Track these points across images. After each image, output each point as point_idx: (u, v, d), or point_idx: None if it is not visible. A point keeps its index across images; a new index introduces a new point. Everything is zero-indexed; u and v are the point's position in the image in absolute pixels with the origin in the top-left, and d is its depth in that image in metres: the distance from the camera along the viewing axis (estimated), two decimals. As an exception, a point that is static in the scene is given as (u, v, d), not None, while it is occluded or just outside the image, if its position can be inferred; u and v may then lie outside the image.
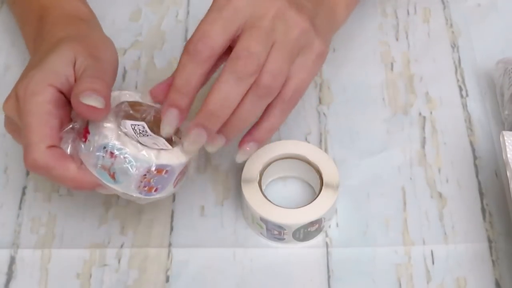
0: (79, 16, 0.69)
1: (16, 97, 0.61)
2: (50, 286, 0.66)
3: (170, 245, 0.68)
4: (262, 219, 0.67)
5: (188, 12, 0.84)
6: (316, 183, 0.69)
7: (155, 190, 0.61)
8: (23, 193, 0.71)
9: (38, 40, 0.68)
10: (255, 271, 0.67)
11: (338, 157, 0.73)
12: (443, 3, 0.85)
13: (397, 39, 0.82)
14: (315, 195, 0.68)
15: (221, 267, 0.67)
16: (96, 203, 0.70)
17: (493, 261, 0.68)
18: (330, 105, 0.77)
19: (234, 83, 0.60)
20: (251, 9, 0.60)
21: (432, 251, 0.68)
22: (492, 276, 0.67)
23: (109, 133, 0.59)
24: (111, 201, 0.71)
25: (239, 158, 0.65)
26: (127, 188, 0.60)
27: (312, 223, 0.67)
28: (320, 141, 0.75)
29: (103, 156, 0.59)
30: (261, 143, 0.65)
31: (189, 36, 0.81)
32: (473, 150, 0.74)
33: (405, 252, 0.68)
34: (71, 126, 0.60)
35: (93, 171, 0.60)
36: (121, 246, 0.68)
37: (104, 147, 0.59)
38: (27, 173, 0.72)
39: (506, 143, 0.66)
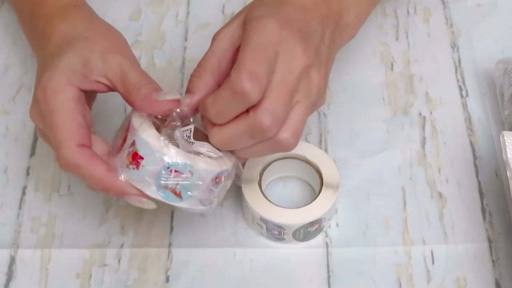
0: (73, 3, 0.68)
1: (37, 102, 0.61)
2: (50, 286, 0.66)
3: (170, 245, 0.68)
4: (262, 219, 0.67)
5: (188, 12, 0.84)
6: (316, 183, 0.69)
7: (214, 198, 0.61)
8: (23, 193, 0.71)
9: (37, 37, 0.67)
10: (255, 271, 0.67)
11: (338, 157, 0.73)
12: (443, 3, 0.85)
13: (397, 39, 0.82)
14: (315, 195, 0.68)
15: (221, 267, 0.67)
16: (96, 203, 0.70)
17: (493, 261, 0.68)
18: (330, 105, 0.77)
19: (248, 139, 0.59)
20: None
21: (432, 251, 0.68)
22: (492, 276, 0.67)
23: (168, 151, 0.58)
24: (111, 201, 0.71)
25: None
26: (193, 203, 0.59)
27: (312, 223, 0.67)
28: (320, 141, 0.75)
29: (167, 177, 0.58)
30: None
31: (189, 36, 0.82)
32: (473, 150, 0.74)
33: (405, 252, 0.68)
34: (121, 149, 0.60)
35: (155, 195, 0.59)
36: (121, 246, 0.68)
37: (168, 167, 0.58)
38: (27, 173, 0.72)
39: (506, 143, 0.66)
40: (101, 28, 0.66)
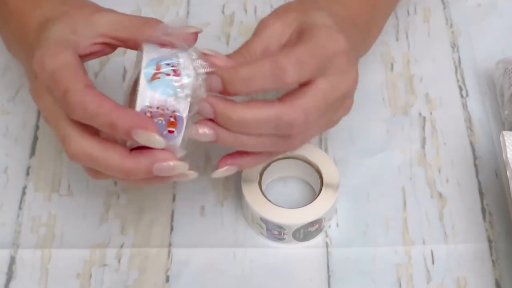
0: None
1: (36, 76, 0.59)
2: (50, 286, 0.66)
3: (170, 245, 0.68)
4: (262, 219, 0.67)
5: (188, 12, 0.84)
6: (316, 183, 0.69)
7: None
8: (23, 193, 0.71)
9: (13, 35, 0.65)
10: (255, 271, 0.67)
11: (338, 157, 0.73)
12: (443, 3, 0.85)
13: (397, 39, 0.82)
14: (315, 195, 0.68)
15: (221, 267, 0.67)
16: (96, 203, 0.70)
17: (493, 261, 0.68)
18: (330, 105, 0.77)
19: (269, 126, 0.58)
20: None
21: (432, 251, 0.68)
22: (492, 276, 0.67)
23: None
24: (112, 201, 0.71)
25: (216, 175, 0.61)
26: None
27: (312, 223, 0.67)
28: (320, 141, 0.75)
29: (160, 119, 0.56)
30: (242, 169, 0.63)
31: (189, 36, 0.82)
32: (473, 150, 0.74)
33: (405, 252, 0.68)
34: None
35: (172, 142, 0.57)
36: (121, 246, 0.68)
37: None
38: (27, 173, 0.72)
39: (506, 143, 0.66)
40: (75, 1, 0.64)
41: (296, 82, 0.57)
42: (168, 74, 0.57)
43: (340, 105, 0.61)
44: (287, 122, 0.57)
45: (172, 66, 0.57)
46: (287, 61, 0.57)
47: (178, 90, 0.57)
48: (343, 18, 0.63)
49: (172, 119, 0.57)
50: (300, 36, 0.60)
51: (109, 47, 0.61)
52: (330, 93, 0.59)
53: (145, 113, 0.56)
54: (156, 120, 0.56)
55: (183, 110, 0.57)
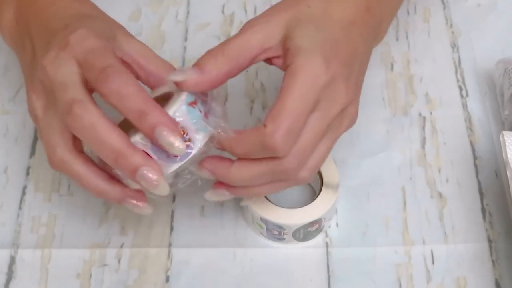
0: None
1: (64, 46, 0.58)
2: (50, 286, 0.66)
3: (170, 245, 0.68)
4: (262, 219, 0.67)
5: (188, 12, 0.84)
6: (316, 183, 0.69)
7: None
8: (23, 193, 0.71)
9: (28, 26, 0.65)
10: (255, 271, 0.67)
11: (338, 157, 0.73)
12: (443, 3, 0.85)
13: (397, 39, 0.82)
14: (315, 195, 0.68)
15: (221, 267, 0.67)
16: (96, 203, 0.70)
17: (493, 261, 0.68)
18: (330, 105, 0.77)
19: (268, 177, 0.59)
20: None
21: (432, 251, 0.68)
22: (492, 276, 0.67)
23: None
24: (111, 201, 0.71)
25: (209, 198, 0.62)
26: (202, 141, 0.58)
27: (312, 223, 0.67)
28: (320, 141, 0.74)
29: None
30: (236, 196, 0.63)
31: (189, 36, 0.82)
32: (473, 150, 0.74)
33: (405, 252, 0.68)
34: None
35: (172, 165, 0.58)
36: (121, 246, 0.68)
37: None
38: (27, 173, 0.72)
39: (506, 143, 0.66)
40: (105, 14, 0.66)
41: (291, 149, 0.57)
42: (201, 111, 0.58)
43: (341, 118, 0.60)
44: (282, 172, 0.58)
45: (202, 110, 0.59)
46: (275, 138, 0.56)
47: (203, 127, 0.58)
48: (338, 21, 0.61)
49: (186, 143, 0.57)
50: (284, 58, 0.59)
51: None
52: (322, 124, 0.58)
53: None
54: None
55: (196, 145, 0.57)
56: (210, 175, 0.60)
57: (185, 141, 0.57)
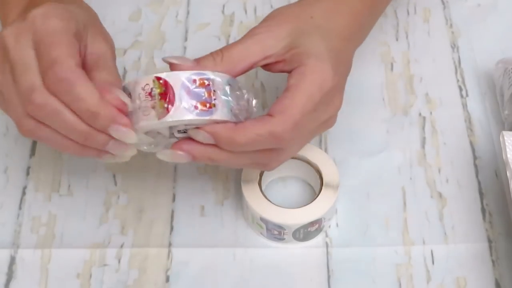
0: None
1: (30, 24, 0.57)
2: (50, 286, 0.66)
3: (170, 245, 0.68)
4: (262, 219, 0.67)
5: (188, 12, 0.84)
6: (316, 183, 0.69)
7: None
8: (23, 193, 0.71)
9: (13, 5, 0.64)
10: (255, 271, 0.67)
11: (338, 157, 0.73)
12: (443, 3, 0.85)
13: (397, 39, 0.82)
14: (315, 195, 0.68)
15: (221, 267, 0.67)
16: (96, 203, 0.70)
17: (493, 261, 0.68)
18: (330, 105, 0.77)
19: (249, 158, 0.60)
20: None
21: (432, 251, 0.68)
22: (492, 276, 0.67)
23: (186, 75, 0.57)
24: (112, 201, 0.71)
25: (161, 156, 0.60)
26: (222, 116, 0.58)
27: (312, 223, 0.67)
28: (320, 141, 0.75)
29: (204, 93, 0.57)
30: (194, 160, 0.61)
31: (189, 36, 0.82)
32: (473, 150, 0.74)
33: (405, 252, 0.68)
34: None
35: (187, 113, 0.57)
36: (121, 246, 0.68)
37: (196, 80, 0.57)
38: (27, 173, 0.72)
39: (506, 143, 0.66)
40: (99, 24, 0.65)
41: (292, 142, 0.60)
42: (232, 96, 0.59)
43: (331, 121, 0.63)
44: (276, 141, 0.59)
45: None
46: (284, 130, 0.58)
47: (229, 107, 0.59)
48: (339, 34, 0.63)
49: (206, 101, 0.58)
50: (291, 62, 0.60)
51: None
52: (317, 121, 0.61)
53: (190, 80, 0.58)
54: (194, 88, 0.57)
55: (217, 114, 0.58)
56: (209, 137, 0.58)
57: (209, 103, 0.57)
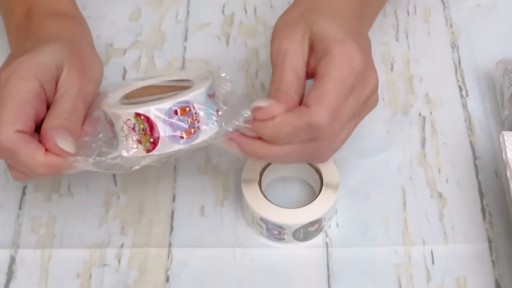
0: (71, 15, 0.69)
1: None
2: (50, 286, 0.66)
3: (170, 245, 0.68)
4: (262, 219, 0.67)
5: (188, 12, 0.84)
6: (316, 183, 0.69)
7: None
8: (23, 193, 0.71)
9: (22, 32, 0.66)
10: (255, 271, 0.67)
11: (338, 157, 0.73)
12: (443, 3, 0.85)
13: (397, 39, 0.82)
14: (315, 195, 0.68)
15: (221, 267, 0.67)
16: (96, 203, 0.70)
17: (493, 261, 0.68)
18: (330, 105, 0.77)
19: (300, 150, 0.60)
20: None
21: (432, 251, 0.68)
22: (492, 276, 0.67)
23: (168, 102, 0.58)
24: (111, 201, 0.71)
25: (221, 144, 0.61)
26: (208, 134, 0.59)
27: (312, 223, 0.67)
28: (320, 141, 0.75)
29: (187, 121, 0.58)
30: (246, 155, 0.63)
31: (189, 36, 0.82)
32: (473, 150, 0.74)
33: (405, 252, 0.68)
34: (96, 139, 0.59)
35: (173, 145, 0.58)
36: (121, 246, 0.68)
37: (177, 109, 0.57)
38: (27, 173, 0.72)
39: (506, 143, 0.66)
40: (87, 49, 0.66)
41: (332, 130, 0.60)
42: (215, 107, 0.60)
43: (369, 102, 0.62)
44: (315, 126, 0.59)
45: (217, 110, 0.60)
46: (323, 117, 0.58)
47: (214, 121, 0.59)
48: (348, 17, 0.64)
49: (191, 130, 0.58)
50: (317, 55, 0.61)
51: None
52: (356, 105, 0.61)
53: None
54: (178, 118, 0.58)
55: (202, 136, 0.59)
56: (237, 149, 0.60)
57: (193, 128, 0.58)
